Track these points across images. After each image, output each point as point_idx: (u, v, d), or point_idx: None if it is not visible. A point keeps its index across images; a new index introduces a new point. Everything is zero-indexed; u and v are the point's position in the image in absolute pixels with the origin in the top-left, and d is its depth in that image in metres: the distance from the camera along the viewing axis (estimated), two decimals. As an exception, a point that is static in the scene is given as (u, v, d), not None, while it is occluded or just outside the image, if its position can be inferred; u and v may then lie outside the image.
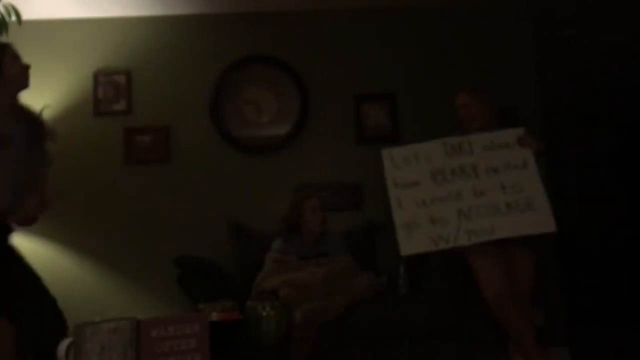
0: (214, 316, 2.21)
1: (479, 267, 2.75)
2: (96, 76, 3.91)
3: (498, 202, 2.67)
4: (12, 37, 3.07)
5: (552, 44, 4.53)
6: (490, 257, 2.71)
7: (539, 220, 2.65)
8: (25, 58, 3.86)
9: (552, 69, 4.67)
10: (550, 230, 2.65)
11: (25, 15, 3.22)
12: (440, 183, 2.73)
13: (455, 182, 2.72)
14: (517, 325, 2.68)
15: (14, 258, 2.42)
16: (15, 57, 2.43)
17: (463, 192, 2.71)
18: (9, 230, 2.36)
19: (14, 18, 2.98)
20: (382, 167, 2.83)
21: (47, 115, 3.83)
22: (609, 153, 6.33)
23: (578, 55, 4.93)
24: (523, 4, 4.03)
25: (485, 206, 2.67)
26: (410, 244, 2.70)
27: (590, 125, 6.26)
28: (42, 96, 3.86)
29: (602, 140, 6.36)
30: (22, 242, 3.68)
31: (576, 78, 5.38)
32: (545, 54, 4.29)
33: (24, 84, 2.43)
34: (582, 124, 6.16)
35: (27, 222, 2.39)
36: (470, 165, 2.74)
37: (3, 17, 2.96)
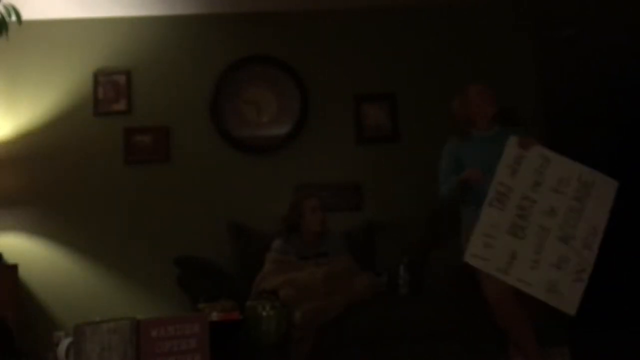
0: (214, 316, 2.21)
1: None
2: (96, 76, 3.91)
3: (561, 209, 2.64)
4: (12, 37, 3.08)
5: (552, 44, 4.53)
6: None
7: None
8: (25, 58, 3.90)
9: (552, 69, 4.67)
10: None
11: (25, 15, 3.23)
12: (524, 234, 2.61)
13: (530, 221, 2.62)
14: (518, 326, 2.68)
15: None
16: None
17: (542, 222, 2.62)
18: None
19: (14, 18, 2.98)
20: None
21: (47, 115, 3.87)
22: (609, 153, 6.33)
23: (578, 55, 4.93)
24: (523, 4, 4.03)
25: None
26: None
27: (590, 125, 6.26)
28: (42, 96, 3.88)
29: (602, 140, 6.36)
30: (22, 242, 3.71)
31: (576, 78, 5.38)
32: (545, 54, 4.29)
33: None
34: (582, 124, 6.16)
35: None
36: (522, 199, 2.64)
37: (3, 17, 2.96)
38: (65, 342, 1.92)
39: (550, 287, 2.60)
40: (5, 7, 2.96)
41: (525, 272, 2.58)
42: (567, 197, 2.69)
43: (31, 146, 3.80)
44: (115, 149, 3.85)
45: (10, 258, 3.53)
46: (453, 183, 2.90)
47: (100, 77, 3.91)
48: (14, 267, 3.47)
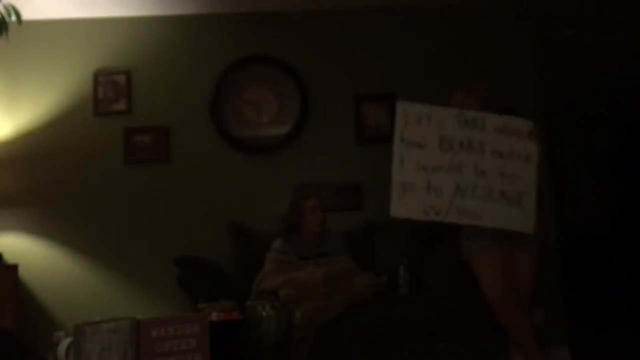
0: (214, 316, 2.21)
1: (480, 267, 2.75)
2: (96, 76, 3.91)
3: (494, 187, 2.64)
4: (12, 37, 3.08)
5: (552, 44, 4.53)
6: (492, 257, 2.71)
7: (523, 218, 2.63)
8: (25, 58, 3.90)
9: (552, 69, 4.67)
10: (528, 231, 2.63)
11: (25, 15, 3.22)
12: (446, 151, 2.67)
13: (460, 154, 2.67)
14: (518, 326, 2.68)
15: None
16: None
17: (465, 167, 2.66)
18: None
19: (14, 18, 2.98)
20: (394, 122, 2.71)
21: (47, 115, 3.87)
22: (609, 153, 6.33)
23: (578, 55, 4.93)
24: (523, 4, 4.03)
25: (482, 188, 2.63)
26: (402, 206, 2.65)
27: (590, 125, 6.26)
28: (42, 96, 3.88)
29: (602, 140, 6.36)
30: (22, 242, 3.71)
31: (576, 78, 5.38)
32: (545, 54, 4.29)
33: None
34: (582, 124, 6.16)
35: None
36: (479, 142, 2.68)
37: (3, 17, 2.96)
38: (65, 342, 1.92)
39: (404, 187, 2.66)
40: (5, 7, 2.96)
41: (410, 160, 2.66)
42: (499, 184, 2.67)
43: (31, 146, 3.80)
44: (115, 149, 3.85)
45: (10, 258, 3.53)
46: None
47: (100, 77, 3.91)
48: (14, 267, 3.47)
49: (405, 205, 2.65)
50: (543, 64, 4.17)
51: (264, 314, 2.30)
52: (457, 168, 2.66)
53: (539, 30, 4.12)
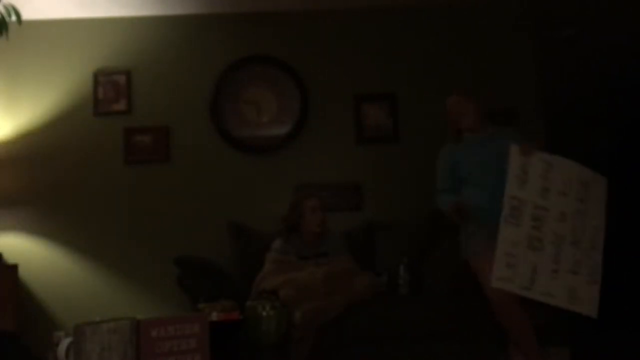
0: (214, 316, 2.21)
1: (481, 267, 2.74)
2: (96, 76, 3.91)
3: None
4: (12, 37, 3.08)
5: (552, 44, 4.53)
6: (493, 257, 2.71)
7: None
8: (25, 58, 3.90)
9: (552, 69, 4.67)
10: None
11: (25, 15, 3.22)
12: (541, 245, 2.60)
13: (545, 230, 2.62)
14: (518, 326, 2.68)
15: None
16: None
17: (556, 229, 2.62)
18: None
19: (14, 18, 2.97)
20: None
21: (47, 115, 3.87)
22: (609, 153, 6.33)
23: (578, 55, 4.93)
24: (523, 4, 4.03)
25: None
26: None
27: (590, 125, 6.26)
28: (42, 96, 3.88)
29: (602, 140, 6.36)
30: (23, 242, 3.71)
31: (576, 78, 5.38)
32: (545, 54, 4.28)
33: None
34: (582, 124, 6.15)
35: None
36: (535, 209, 2.63)
37: (3, 17, 2.96)
38: (65, 342, 1.92)
39: (570, 294, 2.61)
40: (5, 7, 2.96)
41: (547, 284, 2.59)
42: (572, 199, 2.69)
43: (31, 146, 3.80)
44: (115, 149, 3.85)
45: (10, 258, 3.53)
46: (446, 211, 2.91)
47: (100, 77, 3.91)
48: (14, 267, 3.47)
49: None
50: (543, 64, 4.17)
51: (264, 314, 2.29)
52: (556, 237, 2.64)
53: (539, 30, 4.12)
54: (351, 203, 3.88)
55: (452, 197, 2.91)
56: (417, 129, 3.95)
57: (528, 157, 2.68)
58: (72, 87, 3.90)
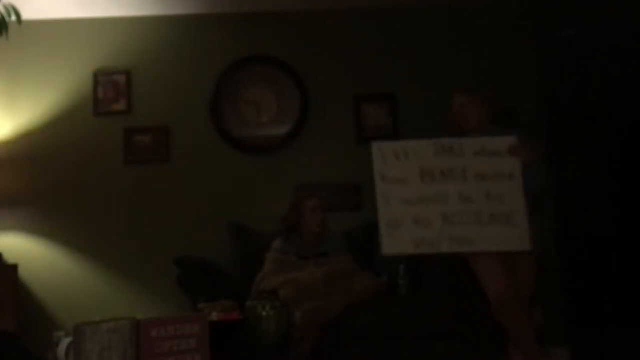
0: (214, 316, 2.20)
1: (482, 267, 2.75)
2: (96, 76, 3.91)
3: (482, 211, 2.64)
4: (12, 37, 3.08)
5: (552, 44, 4.53)
6: (493, 258, 2.71)
7: (517, 237, 2.62)
8: (25, 58, 3.90)
9: (552, 69, 4.67)
10: (525, 250, 2.63)
11: (25, 15, 3.23)
12: (428, 183, 2.70)
13: (443, 184, 2.68)
14: (518, 326, 2.68)
15: None
16: None
17: (450, 195, 2.67)
18: None
19: (14, 18, 2.98)
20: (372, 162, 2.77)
21: (47, 115, 3.87)
22: (609, 153, 6.33)
23: (578, 55, 4.93)
24: (523, 4, 4.03)
25: (470, 214, 2.64)
26: (393, 244, 2.68)
27: (590, 125, 6.26)
28: (42, 96, 3.88)
29: (602, 140, 6.36)
30: (23, 242, 3.71)
31: (576, 78, 5.38)
32: (545, 54, 4.29)
33: None
34: (582, 124, 6.16)
35: None
36: (460, 169, 2.70)
37: (3, 17, 2.96)
38: (65, 342, 1.92)
39: (392, 223, 2.67)
40: (5, 7, 2.96)
41: (395, 197, 2.69)
42: (487, 207, 2.67)
43: (31, 146, 3.80)
44: (115, 149, 3.85)
45: (10, 258, 3.53)
46: None
47: (100, 77, 3.91)
48: (14, 267, 3.47)
49: (396, 242, 2.67)
50: (543, 64, 4.17)
51: (264, 314, 2.29)
52: (442, 198, 2.67)
53: (539, 30, 4.12)
54: (351, 203, 3.88)
55: None
56: (417, 129, 3.93)
57: (509, 154, 2.68)
58: (72, 87, 3.90)
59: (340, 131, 3.97)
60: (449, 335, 2.87)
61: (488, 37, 4.06)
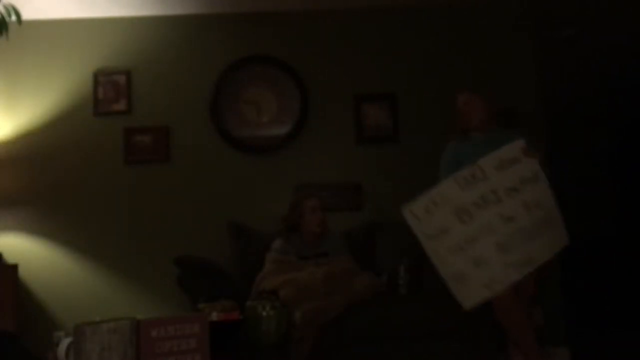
0: (214, 316, 2.20)
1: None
2: (96, 76, 3.91)
3: (526, 224, 2.60)
4: (12, 37, 3.08)
5: (552, 44, 4.53)
6: None
7: (559, 235, 2.62)
8: (25, 58, 3.90)
9: (552, 69, 4.67)
10: (565, 244, 2.63)
11: (25, 15, 3.22)
12: (468, 221, 2.61)
13: (483, 215, 2.60)
14: (519, 326, 2.68)
15: None
16: None
17: (493, 223, 2.60)
18: None
19: (14, 18, 2.97)
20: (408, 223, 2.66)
21: (47, 115, 3.87)
22: (609, 153, 6.33)
23: (578, 55, 4.93)
24: (523, 4, 4.03)
25: (518, 232, 2.59)
26: (468, 297, 2.57)
27: (590, 125, 6.26)
28: (42, 96, 3.88)
29: (602, 140, 6.36)
30: (22, 242, 3.71)
31: (576, 78, 5.38)
32: (545, 54, 4.29)
33: None
34: (582, 124, 6.16)
35: None
36: (490, 192, 2.63)
37: (3, 17, 2.96)
38: (65, 342, 1.92)
39: (457, 277, 2.58)
40: (5, 7, 2.95)
41: (445, 250, 2.59)
42: (529, 218, 2.64)
43: (31, 146, 3.80)
44: (115, 149, 3.85)
45: (10, 258, 3.53)
46: None
47: (100, 77, 3.91)
48: (14, 267, 3.47)
49: (470, 294, 2.57)
50: (543, 64, 4.17)
51: (264, 314, 2.29)
52: (487, 228, 2.60)
53: (539, 30, 4.12)
54: (351, 203, 3.88)
55: None
56: (417, 129, 3.95)
57: (525, 157, 2.69)
58: (72, 87, 3.90)
59: (340, 131, 3.97)
60: (449, 335, 2.87)
61: (488, 37, 4.06)
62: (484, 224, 2.60)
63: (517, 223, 2.60)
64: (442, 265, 2.59)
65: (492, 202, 2.62)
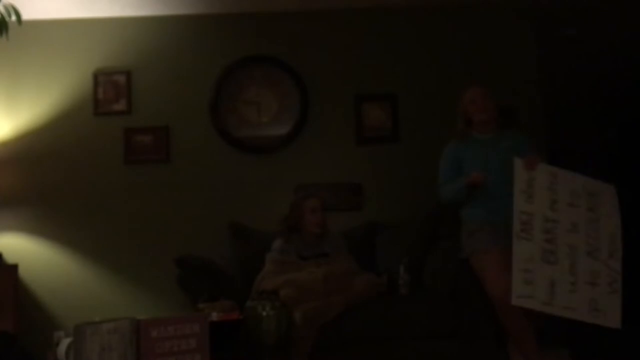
0: (214, 316, 2.21)
1: (483, 266, 2.75)
2: (96, 76, 3.91)
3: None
4: (12, 37, 3.08)
5: (552, 44, 4.53)
6: (494, 256, 2.72)
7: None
8: (25, 58, 3.90)
9: (553, 68, 4.67)
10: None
11: (25, 15, 3.22)
12: (572, 230, 2.63)
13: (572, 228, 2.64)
14: (519, 325, 2.68)
15: None
16: None
17: (578, 249, 2.63)
18: None
19: (14, 18, 2.97)
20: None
21: (47, 115, 3.87)
22: (610, 152, 6.33)
23: (578, 55, 4.93)
24: (524, 4, 4.03)
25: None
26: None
27: (590, 125, 6.26)
28: (42, 96, 3.88)
29: (602, 140, 6.36)
30: (22, 242, 3.71)
31: (577, 78, 5.38)
32: (546, 53, 4.29)
33: None
34: (582, 123, 6.16)
35: None
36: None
37: (3, 17, 2.95)
38: (65, 342, 1.92)
39: (591, 306, 2.58)
40: (5, 7, 2.95)
41: (566, 298, 2.57)
42: (583, 210, 2.67)
43: (31, 146, 3.80)
44: (115, 149, 3.85)
45: (10, 258, 3.53)
46: (459, 187, 2.89)
47: (100, 77, 3.91)
48: (14, 267, 3.47)
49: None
50: (544, 64, 4.17)
51: (264, 314, 2.30)
52: (571, 251, 2.63)
53: (539, 30, 4.12)
54: (351, 203, 3.88)
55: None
56: (417, 129, 3.95)
57: (533, 170, 2.69)
58: (72, 87, 3.90)
59: (340, 131, 3.96)
60: (448, 335, 2.87)
61: (488, 37, 4.06)
62: (565, 249, 2.62)
63: (579, 226, 2.65)
64: (573, 313, 2.58)
65: (555, 228, 2.63)
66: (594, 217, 2.68)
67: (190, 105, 3.93)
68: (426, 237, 3.45)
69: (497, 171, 2.82)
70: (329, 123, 3.97)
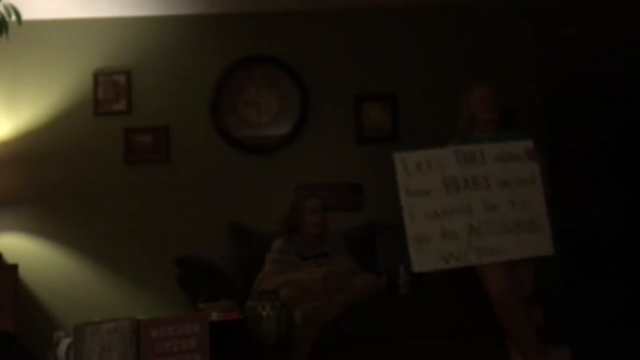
0: (214, 316, 2.21)
1: (483, 267, 2.75)
2: (96, 76, 3.91)
3: (507, 219, 2.64)
4: (12, 37, 3.08)
5: (552, 44, 4.53)
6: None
7: (541, 242, 2.63)
8: (25, 58, 3.90)
9: (553, 68, 4.67)
10: (548, 254, 2.64)
11: (25, 15, 3.22)
12: (452, 193, 2.66)
13: (467, 193, 2.66)
14: (519, 325, 2.68)
15: None
16: None
17: (474, 205, 2.65)
18: None
19: (14, 18, 2.97)
20: (394, 171, 2.70)
21: (47, 115, 3.87)
22: (609, 152, 6.34)
23: (578, 55, 4.93)
24: (524, 3, 4.03)
25: (496, 223, 2.63)
26: (422, 260, 2.64)
27: (590, 125, 6.26)
28: (42, 96, 3.88)
29: (602, 140, 6.36)
30: (22, 242, 3.71)
31: (576, 78, 5.38)
32: (546, 53, 4.29)
33: None
34: (582, 123, 6.16)
35: None
36: (483, 176, 2.68)
37: (3, 17, 2.95)
38: (65, 342, 1.92)
39: (421, 239, 2.64)
40: (5, 7, 2.95)
41: (421, 211, 2.65)
42: (512, 214, 2.68)
43: (31, 146, 3.80)
44: (115, 149, 3.85)
45: (10, 258, 3.53)
46: None
47: (100, 77, 3.91)
48: (14, 267, 3.47)
49: (425, 258, 2.64)
50: (544, 64, 4.17)
51: (264, 314, 2.29)
52: (467, 208, 2.65)
53: (539, 30, 4.12)
54: (351, 203, 3.88)
55: None
56: (417, 129, 3.94)
57: (527, 158, 2.69)
58: (72, 87, 3.90)
59: (340, 131, 3.97)
60: (448, 335, 2.87)
61: (488, 37, 4.06)
62: (465, 203, 2.66)
63: (497, 214, 2.65)
64: (411, 223, 2.65)
65: (481, 187, 2.67)
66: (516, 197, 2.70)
67: (190, 105, 3.93)
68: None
69: None
70: (329, 123, 3.97)
